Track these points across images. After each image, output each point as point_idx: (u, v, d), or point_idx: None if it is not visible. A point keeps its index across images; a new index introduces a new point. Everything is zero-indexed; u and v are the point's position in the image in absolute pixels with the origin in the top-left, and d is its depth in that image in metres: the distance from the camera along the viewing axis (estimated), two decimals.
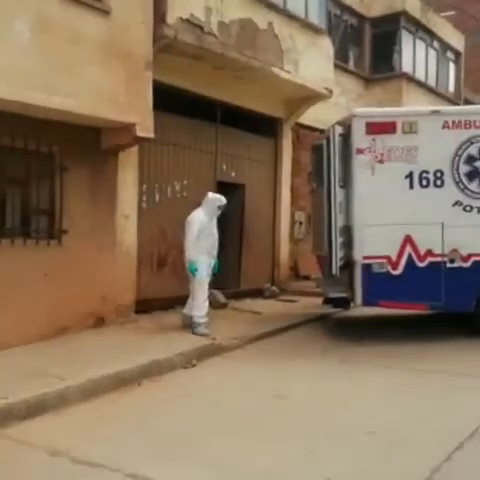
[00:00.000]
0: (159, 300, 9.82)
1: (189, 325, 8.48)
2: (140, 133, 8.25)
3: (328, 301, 10.19)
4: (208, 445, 4.85)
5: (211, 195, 8.75)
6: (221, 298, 10.53)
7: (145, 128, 8.30)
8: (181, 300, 10.17)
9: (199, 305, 8.43)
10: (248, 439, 4.95)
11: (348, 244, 8.29)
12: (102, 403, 5.90)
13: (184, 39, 9.02)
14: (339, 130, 8.38)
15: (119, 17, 7.98)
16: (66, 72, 7.25)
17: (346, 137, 8.34)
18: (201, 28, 9.26)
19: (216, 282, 10.97)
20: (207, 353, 7.68)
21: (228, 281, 11.47)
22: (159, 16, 8.60)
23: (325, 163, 8.51)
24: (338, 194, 8.30)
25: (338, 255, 8.32)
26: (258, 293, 11.73)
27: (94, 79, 7.60)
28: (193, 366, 7.26)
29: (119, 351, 7.25)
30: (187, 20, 9.03)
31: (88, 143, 8.39)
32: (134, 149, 9.08)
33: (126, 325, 8.78)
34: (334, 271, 8.36)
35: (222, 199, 8.68)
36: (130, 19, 8.16)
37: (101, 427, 5.27)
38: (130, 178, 9.21)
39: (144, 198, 9.76)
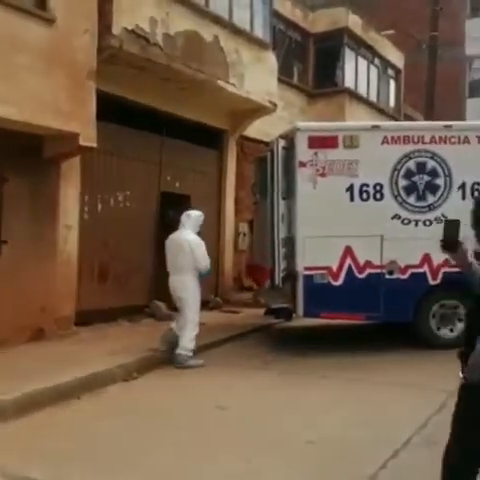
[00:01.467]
0: (100, 312, 9.71)
1: (170, 341, 7.98)
2: (83, 142, 8.18)
3: (270, 312, 10.31)
4: (147, 459, 4.80)
5: (193, 213, 8.21)
6: (164, 310, 10.47)
7: (88, 137, 8.24)
8: (124, 311, 10.13)
9: (191, 338, 7.84)
10: (188, 452, 4.92)
11: (290, 255, 8.41)
12: (39, 417, 5.76)
13: (129, 50, 9.01)
14: (282, 143, 8.50)
15: (64, 26, 7.93)
16: (6, 79, 7.14)
17: (289, 150, 8.48)
18: (146, 39, 9.27)
19: (159, 294, 10.95)
20: (148, 365, 7.60)
21: None
22: (104, 26, 8.58)
23: (269, 175, 8.63)
24: (281, 206, 8.41)
25: (281, 266, 8.41)
26: (202, 304, 11.68)
27: (36, 87, 7.52)
28: (134, 379, 7.18)
29: (58, 364, 7.11)
30: (132, 31, 9.03)
31: (29, 153, 8.26)
32: (77, 159, 8.98)
33: (66, 337, 8.63)
34: (277, 282, 8.45)
35: (202, 214, 8.26)
36: (75, 28, 8.12)
37: (37, 442, 5.15)
38: (72, 188, 9.09)
39: (86, 208, 9.65)
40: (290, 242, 8.45)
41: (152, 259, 10.87)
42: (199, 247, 7.87)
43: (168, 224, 11.26)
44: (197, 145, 11.97)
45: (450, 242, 3.32)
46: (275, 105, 12.37)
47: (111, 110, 9.27)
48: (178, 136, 11.32)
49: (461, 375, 3.34)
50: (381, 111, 18.66)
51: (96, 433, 5.41)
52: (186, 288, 7.87)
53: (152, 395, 6.66)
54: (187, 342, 7.77)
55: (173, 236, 8.08)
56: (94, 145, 8.36)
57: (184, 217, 8.12)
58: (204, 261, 7.89)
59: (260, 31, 12.14)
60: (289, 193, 8.52)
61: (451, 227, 3.39)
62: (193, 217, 8.11)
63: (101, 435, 5.35)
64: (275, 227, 8.39)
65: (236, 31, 11.29)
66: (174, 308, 10.56)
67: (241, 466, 4.67)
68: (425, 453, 4.88)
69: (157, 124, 10.90)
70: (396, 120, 18.68)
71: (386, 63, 19.45)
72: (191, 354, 7.79)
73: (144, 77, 9.84)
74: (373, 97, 18.45)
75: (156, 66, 9.65)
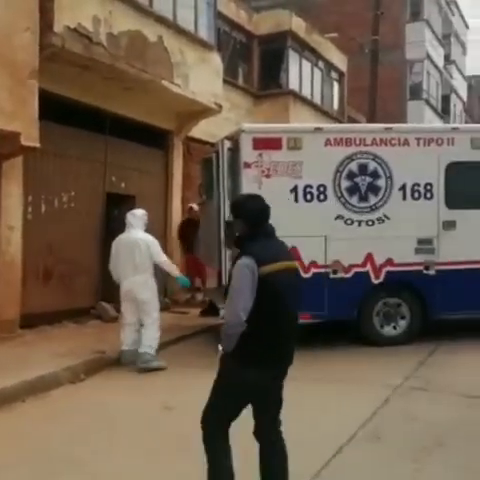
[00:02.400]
0: (46, 314, 9.54)
1: (130, 362, 7.75)
2: (25, 142, 8.04)
3: (205, 313, 10.45)
4: (93, 462, 4.78)
5: (138, 211, 8.15)
6: (111, 311, 10.38)
7: (30, 137, 8.09)
8: (70, 313, 9.99)
9: (156, 337, 7.84)
10: (134, 456, 4.91)
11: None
12: None
13: (72, 48, 8.88)
14: (227, 144, 8.55)
15: (3, 23, 7.78)
16: None
17: (234, 151, 8.54)
18: (89, 38, 9.15)
19: (106, 295, 10.85)
20: (96, 367, 7.54)
21: (119, 294, 11.30)
22: (46, 24, 8.43)
23: (214, 176, 8.66)
24: (227, 207, 8.45)
25: (227, 267, 8.45)
26: None
27: None
28: (81, 381, 7.12)
29: (2, 367, 6.96)
30: (75, 29, 8.90)
31: None
32: (19, 159, 8.80)
33: (11, 340, 8.45)
34: (223, 282, 8.49)
35: (146, 213, 8.18)
36: (15, 26, 7.97)
37: None
38: (15, 189, 8.91)
39: (30, 209, 9.46)
40: None
41: (98, 260, 10.74)
42: (155, 244, 7.88)
43: (113, 225, 11.22)
44: (142, 145, 11.89)
45: (230, 239, 3.94)
46: (220, 106, 12.40)
47: (54, 109, 9.12)
48: (123, 136, 11.22)
49: (220, 347, 3.64)
50: (325, 113, 18.95)
51: (41, 437, 5.34)
52: (148, 288, 7.82)
53: (99, 397, 6.59)
54: (152, 341, 7.73)
55: (123, 237, 7.94)
56: (37, 145, 8.22)
57: (130, 216, 8.03)
58: (162, 257, 7.92)
59: (204, 32, 12.14)
60: (235, 194, 8.57)
61: (230, 228, 3.94)
62: (139, 216, 8.05)
63: (46, 439, 5.30)
64: (221, 228, 8.43)
65: (180, 31, 11.26)
66: (119, 310, 10.55)
67: (188, 467, 4.68)
68: (369, 448, 5.03)
69: (101, 124, 10.78)
70: (340, 122, 19.04)
71: (330, 66, 19.77)
72: (155, 354, 7.75)
73: (87, 76, 9.72)
74: (317, 99, 18.72)
75: (100, 65, 9.54)
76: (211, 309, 10.78)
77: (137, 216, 8.03)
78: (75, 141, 10.27)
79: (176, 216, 12.84)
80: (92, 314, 10.46)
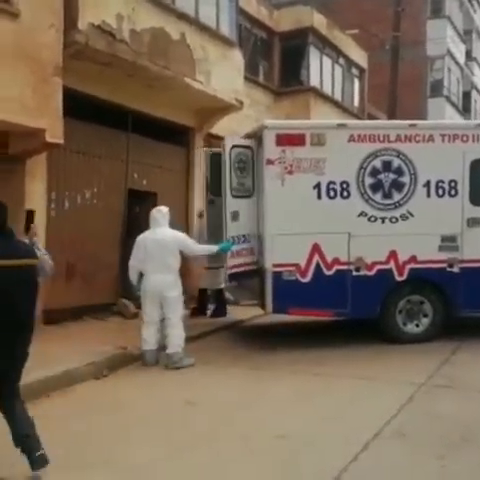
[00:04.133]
0: (68, 310, 9.61)
1: (154, 362, 7.74)
2: (49, 139, 8.11)
3: (198, 313, 10.65)
4: (120, 456, 4.81)
5: (164, 208, 8.07)
6: (132, 308, 10.43)
7: (54, 134, 8.16)
8: (91, 310, 10.05)
9: (183, 335, 7.80)
10: (160, 449, 4.93)
11: (259, 252, 8.49)
12: None
13: (95, 45, 8.93)
14: (234, 141, 8.48)
15: (28, 20, 7.84)
16: None
17: (257, 148, 8.53)
18: (113, 35, 9.20)
19: (126, 292, 10.88)
20: (119, 363, 7.58)
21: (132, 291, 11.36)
22: (70, 21, 8.49)
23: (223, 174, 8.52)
24: (231, 204, 8.39)
25: (229, 263, 8.42)
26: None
27: (0, 82, 7.39)
28: (104, 376, 7.16)
29: (26, 362, 7.01)
30: (98, 26, 8.95)
31: None
32: (43, 156, 8.89)
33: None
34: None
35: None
36: (40, 23, 8.03)
37: (8, 440, 5.09)
38: (38, 185, 8.99)
39: (53, 206, 9.54)
40: (258, 239, 8.52)
41: (119, 257, 10.79)
42: (185, 239, 7.93)
43: (134, 222, 11.26)
44: (164, 142, 11.93)
45: None
46: (242, 103, 12.40)
47: (77, 106, 9.16)
48: (145, 133, 11.26)
49: None
50: (345, 110, 18.85)
51: (67, 431, 5.37)
52: (177, 287, 7.82)
53: (123, 393, 6.63)
54: (181, 339, 7.71)
55: (151, 234, 7.84)
56: (61, 142, 8.29)
57: (157, 213, 7.93)
58: (197, 247, 8.09)
59: (226, 29, 12.15)
60: (257, 190, 8.58)
61: None
62: (165, 212, 7.97)
63: (73, 433, 5.32)
64: (224, 226, 8.38)
65: (202, 28, 11.27)
66: (139, 306, 10.58)
67: (210, 459, 4.71)
68: (395, 445, 5.00)
69: (123, 121, 10.82)
70: (360, 119, 18.91)
71: (350, 62, 19.67)
72: (184, 352, 7.74)
73: (110, 73, 9.77)
74: (338, 96, 18.64)
75: (122, 62, 9.59)
76: (200, 308, 10.86)
77: (163, 213, 7.95)
78: (98, 138, 10.34)
79: (197, 212, 12.84)
80: (113, 310, 10.51)
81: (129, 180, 11.07)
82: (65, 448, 4.95)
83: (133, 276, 7.99)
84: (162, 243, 7.68)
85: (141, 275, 7.87)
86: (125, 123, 10.86)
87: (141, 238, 7.91)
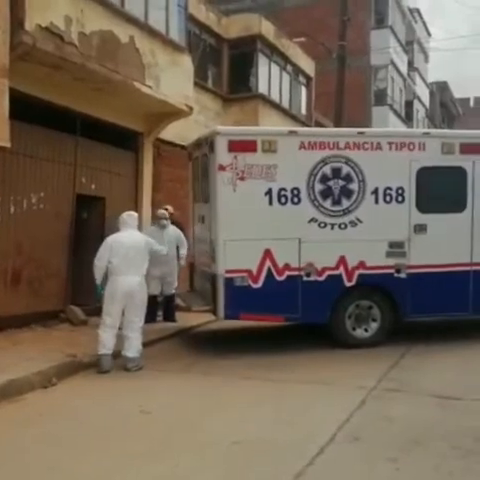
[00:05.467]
0: (14, 317, 9.35)
1: (110, 367, 7.69)
2: None
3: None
4: (71, 468, 4.71)
5: (134, 213, 8.46)
6: (80, 315, 10.25)
7: (1, 137, 7.95)
8: (38, 317, 9.82)
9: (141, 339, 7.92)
10: (112, 460, 4.86)
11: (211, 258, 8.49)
12: None
13: (43, 47, 8.72)
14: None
15: None
16: None
17: (208, 154, 8.54)
18: (61, 37, 9.01)
19: (74, 298, 10.71)
20: (68, 371, 7.44)
21: (88, 297, 11.16)
22: (17, 22, 8.27)
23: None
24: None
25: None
26: None
27: None
28: (53, 385, 7.00)
29: None
30: (46, 28, 8.75)
31: None
32: None
33: None
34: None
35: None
36: None
37: None
38: None
39: None
40: (210, 245, 8.52)
41: (67, 263, 10.60)
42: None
43: (82, 226, 11.09)
44: (113, 147, 11.77)
45: None
46: (191, 108, 12.35)
47: (25, 109, 8.95)
48: (93, 137, 11.09)
49: None
50: (293, 117, 19.05)
51: (16, 440, 5.25)
52: (144, 289, 7.93)
53: (73, 401, 6.50)
54: (140, 344, 7.80)
55: (123, 235, 7.91)
56: (8, 145, 8.08)
57: (127, 217, 8.11)
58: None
59: (175, 34, 12.08)
60: (209, 196, 8.58)
61: None
62: (135, 216, 8.26)
63: (21, 442, 5.20)
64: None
65: (152, 33, 11.18)
66: (88, 313, 10.41)
67: (168, 470, 4.66)
68: (350, 449, 5.07)
69: (72, 124, 10.62)
70: (307, 126, 19.13)
71: (298, 70, 19.89)
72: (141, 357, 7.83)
73: (58, 76, 9.58)
74: (286, 103, 18.80)
75: (71, 65, 9.40)
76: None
77: (134, 217, 8.21)
78: (45, 142, 10.12)
79: (146, 218, 12.73)
80: (61, 317, 10.29)
81: (77, 184, 10.87)
82: (11, 456, 4.84)
83: (98, 276, 7.90)
84: (135, 244, 7.84)
85: (105, 276, 7.84)
86: (73, 127, 10.67)
87: (111, 239, 7.93)
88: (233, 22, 16.76)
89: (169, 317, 10.78)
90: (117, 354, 7.96)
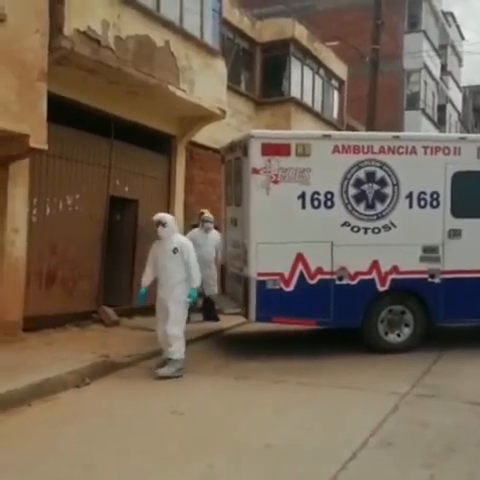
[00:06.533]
0: (48, 317, 9.49)
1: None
2: (33, 144, 8.02)
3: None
4: (108, 468, 4.76)
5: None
6: (113, 315, 10.36)
7: (38, 139, 8.08)
8: (72, 317, 9.95)
9: (179, 339, 7.76)
10: (148, 460, 4.90)
11: (243, 260, 8.52)
12: None
13: (81, 51, 8.87)
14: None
15: (14, 25, 7.76)
16: None
17: (242, 157, 8.57)
18: (98, 42, 9.15)
19: (107, 299, 10.82)
20: (100, 371, 7.52)
21: (120, 298, 11.31)
22: (56, 27, 8.42)
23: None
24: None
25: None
26: (151, 310, 11.61)
27: None
28: (86, 385, 7.09)
29: (6, 370, 6.91)
30: (84, 32, 8.89)
31: None
32: (25, 161, 8.77)
33: (13, 343, 8.39)
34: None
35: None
36: (25, 27, 7.96)
37: None
38: (21, 191, 8.88)
39: (35, 211, 9.43)
40: (243, 248, 8.55)
41: (100, 264, 10.73)
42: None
43: (115, 228, 11.21)
44: (146, 149, 11.89)
45: None
46: (224, 112, 12.42)
47: (61, 112, 9.09)
48: (128, 140, 11.21)
49: None
50: (326, 121, 19.00)
51: (51, 440, 5.32)
52: None
53: (106, 401, 6.58)
54: (182, 343, 7.78)
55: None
56: (45, 147, 8.21)
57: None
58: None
59: (210, 38, 12.17)
60: (242, 199, 8.61)
61: None
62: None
63: (57, 442, 5.27)
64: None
65: (187, 37, 11.28)
66: (120, 314, 10.52)
67: (204, 471, 4.68)
68: (382, 454, 5.04)
69: (107, 127, 10.76)
70: (339, 130, 19.06)
71: (330, 74, 19.85)
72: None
73: (94, 79, 9.71)
74: (318, 107, 18.77)
75: (107, 69, 9.54)
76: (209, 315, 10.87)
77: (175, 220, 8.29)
78: (81, 144, 10.26)
79: (178, 221, 12.80)
80: (94, 318, 10.41)
81: (111, 187, 11.01)
82: (48, 456, 4.91)
83: None
84: None
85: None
86: (108, 129, 10.81)
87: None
88: (266, 26, 16.81)
89: (212, 317, 10.80)
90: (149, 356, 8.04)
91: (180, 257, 7.71)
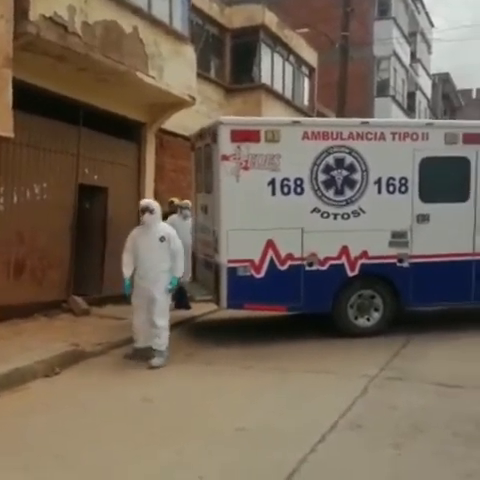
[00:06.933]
0: (17, 307, 9.38)
1: (139, 357, 7.62)
2: None
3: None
4: (79, 455, 4.75)
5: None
6: (83, 304, 10.30)
7: (4, 127, 7.96)
8: (41, 307, 9.85)
9: (167, 329, 7.67)
10: (118, 448, 4.89)
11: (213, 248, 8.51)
12: None
13: (47, 37, 8.72)
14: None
15: None
16: None
17: (211, 144, 8.55)
18: (64, 27, 9.00)
19: (77, 288, 10.74)
20: (70, 360, 7.47)
21: (90, 287, 11.24)
22: (21, 12, 8.25)
23: None
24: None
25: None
26: (122, 299, 11.54)
27: None
28: (56, 374, 7.04)
29: None
30: (50, 18, 8.74)
31: None
32: None
33: None
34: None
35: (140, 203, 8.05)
36: None
37: None
38: None
39: (1, 200, 9.29)
40: (213, 235, 8.54)
41: (70, 253, 10.64)
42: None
43: (84, 216, 11.12)
44: (116, 137, 11.77)
45: None
46: (194, 99, 12.34)
47: (28, 99, 8.95)
48: (97, 128, 11.09)
49: None
50: (296, 108, 19.02)
51: (20, 430, 5.28)
52: None
53: (76, 390, 6.55)
54: (165, 332, 7.65)
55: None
56: (11, 135, 8.09)
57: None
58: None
59: (179, 24, 12.07)
60: (212, 186, 8.60)
61: None
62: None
63: (25, 433, 5.24)
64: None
65: (155, 23, 11.16)
66: (90, 303, 10.44)
67: (174, 457, 4.70)
68: (351, 436, 5.11)
69: (75, 115, 10.63)
70: (310, 117, 19.10)
71: (300, 61, 19.85)
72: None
73: (62, 66, 9.57)
74: (288, 94, 18.78)
75: (74, 55, 9.39)
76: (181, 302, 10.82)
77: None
78: (48, 132, 10.12)
79: None
80: (64, 307, 10.33)
81: (80, 175, 10.89)
82: (20, 446, 4.88)
83: None
84: None
85: None
86: (76, 117, 10.67)
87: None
88: (236, 12, 16.71)
89: (184, 305, 10.75)
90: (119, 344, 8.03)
91: (167, 246, 7.53)
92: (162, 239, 7.53)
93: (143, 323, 7.65)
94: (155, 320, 7.50)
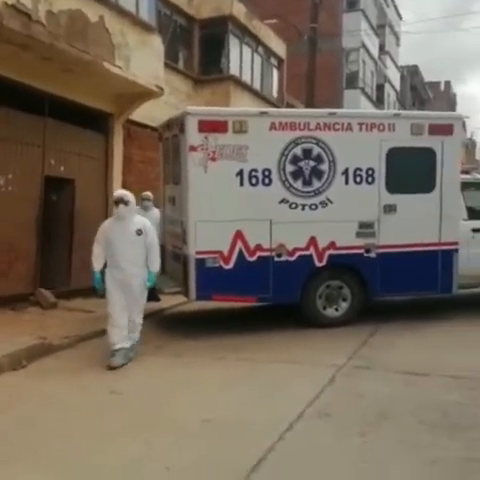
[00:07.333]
0: None
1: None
2: None
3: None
4: (45, 448, 4.71)
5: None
6: (50, 297, 10.17)
7: None
8: (7, 300, 9.72)
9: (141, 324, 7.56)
10: (87, 441, 4.86)
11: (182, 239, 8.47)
12: None
13: (10, 25, 8.56)
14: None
15: None
16: None
17: (179, 134, 8.49)
18: (28, 16, 8.85)
19: (44, 281, 10.61)
20: (37, 353, 7.38)
21: (58, 280, 11.11)
22: None
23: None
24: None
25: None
26: (90, 292, 11.43)
27: None
28: (23, 367, 6.96)
29: None
30: (13, 6, 8.58)
31: None
32: None
33: None
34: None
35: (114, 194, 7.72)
36: None
37: None
38: None
39: None
40: (181, 226, 8.50)
41: (36, 245, 10.50)
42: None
43: (51, 208, 10.97)
44: (82, 128, 11.63)
45: None
46: (162, 89, 12.25)
47: None
48: (63, 118, 10.93)
49: None
50: (265, 99, 19.00)
51: None
52: None
53: (44, 383, 6.47)
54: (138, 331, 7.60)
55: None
56: None
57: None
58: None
59: (145, 14, 11.95)
60: (180, 177, 8.55)
61: None
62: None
63: None
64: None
65: (122, 13, 11.03)
66: (58, 296, 10.32)
67: (143, 449, 4.68)
68: (319, 424, 5.15)
69: (40, 106, 10.47)
70: (279, 108, 19.09)
71: (269, 52, 19.83)
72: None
73: (26, 56, 9.41)
74: (257, 85, 18.75)
75: (38, 44, 9.24)
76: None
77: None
78: (13, 123, 9.95)
79: None
80: (31, 301, 10.20)
81: (46, 166, 10.73)
82: None
83: None
84: None
85: None
86: (42, 108, 10.51)
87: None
88: (204, 3, 16.61)
89: (153, 297, 10.62)
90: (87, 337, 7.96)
91: (143, 239, 7.24)
92: (139, 232, 7.23)
93: (124, 319, 7.30)
94: (135, 318, 7.41)
